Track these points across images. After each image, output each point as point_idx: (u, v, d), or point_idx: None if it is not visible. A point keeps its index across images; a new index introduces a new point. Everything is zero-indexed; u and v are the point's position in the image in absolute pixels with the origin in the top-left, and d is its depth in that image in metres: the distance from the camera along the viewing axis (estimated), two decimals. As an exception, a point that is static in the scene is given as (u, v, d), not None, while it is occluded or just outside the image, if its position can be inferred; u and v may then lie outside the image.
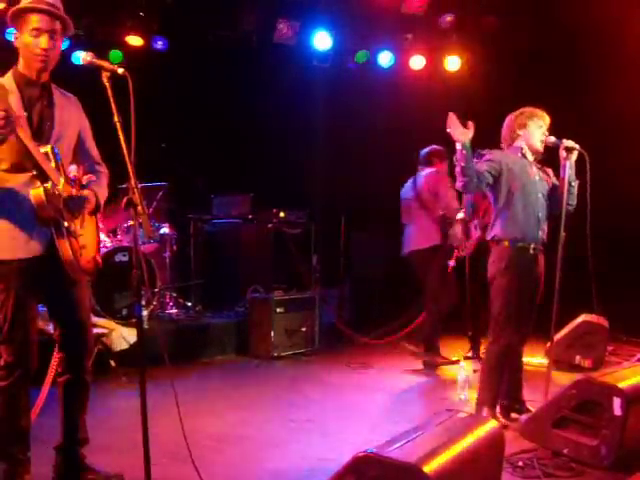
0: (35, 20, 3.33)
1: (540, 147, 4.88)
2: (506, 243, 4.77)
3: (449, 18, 9.09)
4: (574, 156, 4.72)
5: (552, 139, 4.84)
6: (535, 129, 4.88)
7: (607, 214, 7.85)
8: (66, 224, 3.42)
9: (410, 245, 6.98)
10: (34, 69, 3.40)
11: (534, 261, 4.83)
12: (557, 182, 4.95)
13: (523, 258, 4.76)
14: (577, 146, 4.72)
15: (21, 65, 3.43)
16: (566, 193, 4.70)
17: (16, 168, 3.31)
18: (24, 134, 3.20)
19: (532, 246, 4.78)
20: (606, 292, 6.59)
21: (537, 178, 4.88)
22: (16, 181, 3.33)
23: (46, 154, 3.34)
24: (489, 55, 9.45)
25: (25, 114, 3.29)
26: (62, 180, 3.41)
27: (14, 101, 3.30)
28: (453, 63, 9.69)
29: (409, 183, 7.17)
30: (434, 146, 7.05)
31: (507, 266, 4.73)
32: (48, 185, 3.32)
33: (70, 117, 3.59)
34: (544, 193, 4.90)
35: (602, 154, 7.88)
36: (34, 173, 3.31)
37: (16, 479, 3.42)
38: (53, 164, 3.37)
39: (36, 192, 3.30)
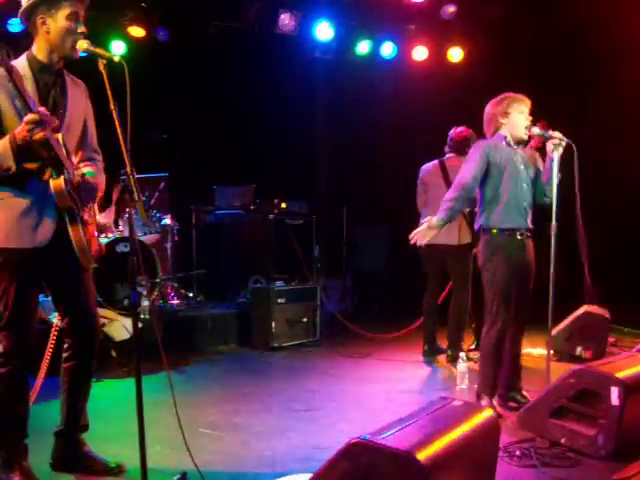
0: (72, 5, 3.37)
1: (524, 135, 4.85)
2: (494, 231, 4.77)
3: (452, 9, 9.06)
4: (561, 148, 4.68)
5: (537, 130, 4.78)
6: (518, 116, 4.83)
7: (610, 206, 7.85)
8: (79, 213, 3.46)
9: (440, 238, 6.56)
10: (65, 54, 3.41)
11: (522, 246, 4.83)
12: (542, 168, 4.93)
13: (510, 244, 4.76)
14: (565, 138, 4.68)
15: (38, 50, 3.42)
16: (555, 185, 4.66)
17: (31, 157, 3.30)
18: (48, 129, 3.22)
19: (519, 232, 4.79)
20: (608, 284, 6.59)
21: (522, 167, 4.86)
22: (28, 169, 3.32)
23: (58, 142, 3.35)
24: (492, 46, 9.42)
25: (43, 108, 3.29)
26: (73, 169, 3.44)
27: (29, 87, 3.32)
28: (456, 54, 9.67)
29: (436, 168, 6.87)
30: (468, 130, 6.79)
31: (494, 253, 4.75)
32: (66, 175, 3.34)
33: (79, 105, 3.60)
34: (529, 182, 4.89)
35: (604, 144, 7.90)
36: (48, 162, 3.32)
37: (14, 466, 3.42)
38: (65, 152, 3.39)
39: (57, 182, 3.32)
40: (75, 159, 3.56)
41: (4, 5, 7.55)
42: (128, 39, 8.70)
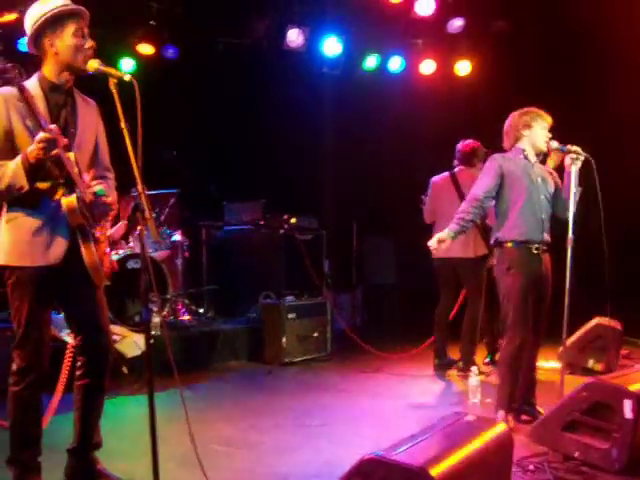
0: (75, 23, 3.40)
1: (544, 148, 4.90)
2: (509, 244, 4.79)
3: (459, 23, 9.09)
4: (579, 162, 4.69)
5: (555, 144, 4.83)
6: (539, 130, 4.88)
7: (618, 217, 7.83)
8: (92, 230, 3.48)
9: (453, 251, 6.34)
10: (79, 70, 3.43)
11: (538, 261, 4.83)
12: (560, 185, 4.96)
13: (526, 258, 4.77)
14: (583, 152, 4.69)
15: (49, 71, 3.45)
16: (573, 199, 4.67)
17: (43, 176, 3.33)
18: (60, 147, 3.25)
19: (535, 246, 4.79)
20: (620, 296, 6.54)
21: (540, 180, 4.89)
22: (40, 188, 3.35)
23: (70, 161, 3.38)
24: (499, 59, 9.44)
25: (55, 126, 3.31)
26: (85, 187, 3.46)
27: (41, 107, 3.34)
28: (463, 67, 9.68)
29: (447, 181, 6.87)
30: (476, 142, 6.84)
31: (510, 267, 4.75)
32: (78, 193, 3.36)
33: (90, 123, 3.63)
34: (547, 195, 4.90)
35: (614, 157, 7.88)
36: (60, 181, 3.35)
37: (27, 484, 3.45)
38: (77, 170, 3.41)
39: (69, 200, 3.34)
40: (87, 177, 3.59)
41: (13, 25, 7.61)
42: (137, 57, 8.76)
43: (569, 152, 4.71)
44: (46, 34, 3.40)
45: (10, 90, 3.23)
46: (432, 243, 4.82)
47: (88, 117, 3.62)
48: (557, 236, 4.91)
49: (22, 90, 3.18)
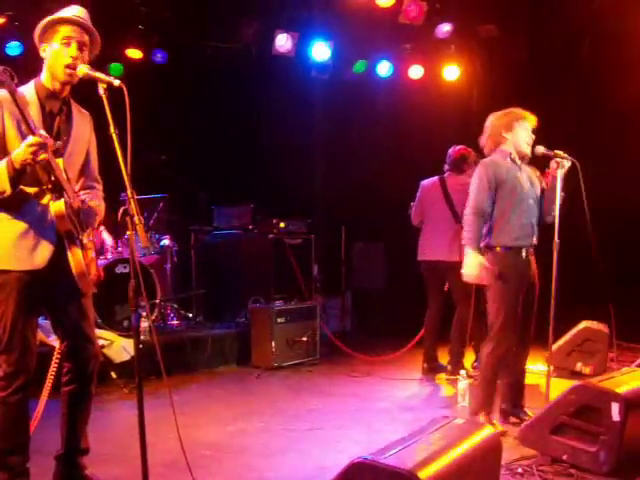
0: (66, 30, 3.40)
1: (527, 150, 4.87)
2: (498, 249, 4.79)
3: (447, 28, 9.12)
4: (565, 167, 4.70)
5: (542, 149, 4.80)
6: (522, 131, 4.84)
7: (608, 220, 7.88)
8: (79, 237, 3.47)
9: (440, 254, 6.75)
10: (59, 80, 3.44)
11: (527, 264, 4.86)
12: (545, 187, 4.96)
13: (516, 262, 4.78)
14: (569, 157, 4.70)
15: (45, 77, 3.46)
16: (558, 203, 4.68)
17: (30, 180, 3.32)
18: (49, 152, 3.25)
19: (524, 250, 4.80)
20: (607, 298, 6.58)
21: (528, 184, 4.88)
22: (26, 193, 3.34)
23: (58, 166, 3.37)
24: (488, 64, 9.48)
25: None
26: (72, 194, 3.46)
27: (34, 112, 3.35)
28: (452, 72, 9.70)
29: (436, 185, 6.93)
30: (466, 149, 6.86)
31: (501, 271, 4.75)
32: (67, 199, 3.36)
33: (83, 134, 3.64)
34: (535, 199, 4.91)
35: (601, 160, 7.93)
36: (48, 186, 3.34)
37: (15, 490, 3.42)
38: (65, 177, 3.41)
39: (58, 206, 3.34)
40: (76, 187, 3.59)
41: (2, 29, 7.60)
42: (126, 61, 8.75)
43: (555, 156, 4.72)
44: (43, 39, 3.43)
45: (6, 93, 3.22)
46: (474, 273, 4.71)
47: (82, 128, 3.63)
48: (544, 239, 4.94)
49: (13, 94, 3.17)
